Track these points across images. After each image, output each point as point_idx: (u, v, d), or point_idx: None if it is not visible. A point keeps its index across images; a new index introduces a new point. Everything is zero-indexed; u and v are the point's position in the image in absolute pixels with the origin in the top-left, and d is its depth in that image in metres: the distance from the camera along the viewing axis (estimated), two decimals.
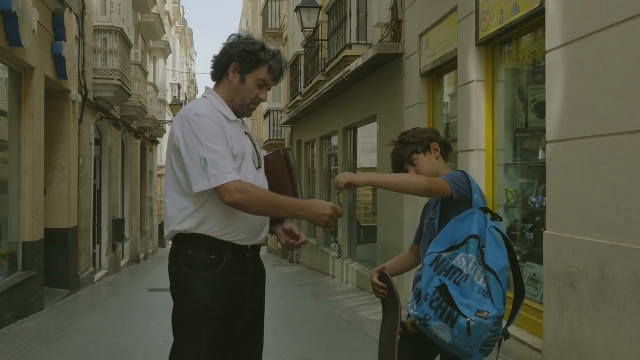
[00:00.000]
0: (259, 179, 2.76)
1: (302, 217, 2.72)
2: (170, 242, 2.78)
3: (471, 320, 2.53)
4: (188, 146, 2.59)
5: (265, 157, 2.91)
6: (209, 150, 2.55)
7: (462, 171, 2.88)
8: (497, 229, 2.69)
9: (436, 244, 2.68)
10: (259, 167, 2.80)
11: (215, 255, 2.65)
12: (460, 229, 2.66)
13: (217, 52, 2.83)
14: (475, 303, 2.56)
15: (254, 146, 2.83)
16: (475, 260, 2.61)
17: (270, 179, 2.83)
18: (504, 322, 2.72)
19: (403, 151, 2.92)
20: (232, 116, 2.74)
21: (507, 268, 2.68)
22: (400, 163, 2.94)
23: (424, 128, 3.08)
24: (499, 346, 2.81)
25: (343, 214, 2.66)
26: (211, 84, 2.85)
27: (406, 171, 2.93)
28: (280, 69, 2.81)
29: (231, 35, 2.83)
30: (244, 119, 2.91)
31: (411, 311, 2.70)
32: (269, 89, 2.87)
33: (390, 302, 2.88)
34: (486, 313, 2.54)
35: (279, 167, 2.84)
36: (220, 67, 2.78)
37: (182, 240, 2.69)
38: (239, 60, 2.73)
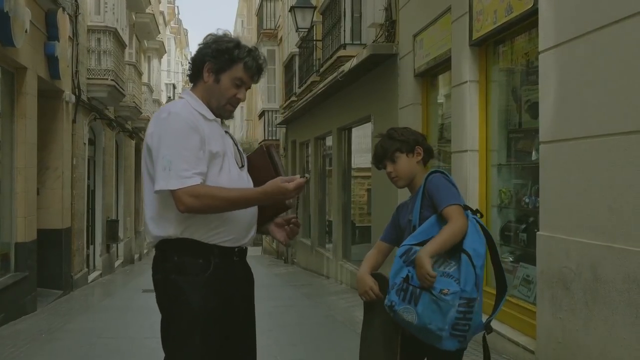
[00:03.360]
0: (244, 178, 2.70)
1: (269, 202, 2.64)
2: (154, 249, 2.67)
3: (434, 296, 2.59)
4: (155, 144, 2.53)
5: (248, 156, 2.84)
6: (173, 151, 2.49)
7: (441, 172, 2.92)
8: (477, 221, 2.77)
9: (412, 237, 2.77)
10: (243, 166, 2.73)
11: (203, 260, 2.57)
12: (438, 226, 2.73)
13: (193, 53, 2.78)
14: (437, 284, 2.62)
15: (236, 145, 2.76)
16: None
17: (255, 178, 2.75)
18: (485, 317, 2.74)
19: (388, 146, 2.96)
20: (211, 115, 2.66)
21: (485, 259, 2.74)
22: (382, 156, 2.98)
23: (414, 130, 3.11)
24: (484, 342, 2.81)
25: (304, 182, 2.55)
26: None
27: (384, 165, 2.97)
28: (257, 66, 2.71)
29: (207, 35, 2.75)
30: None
31: (385, 302, 2.75)
32: (249, 88, 2.78)
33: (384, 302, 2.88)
34: (447, 290, 2.59)
35: (263, 165, 2.77)
36: (195, 69, 2.70)
37: (167, 246, 2.60)
38: (212, 60, 2.65)
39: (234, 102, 2.72)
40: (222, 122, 2.77)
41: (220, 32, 2.74)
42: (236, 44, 2.66)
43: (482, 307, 2.74)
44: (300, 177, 2.54)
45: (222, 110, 2.72)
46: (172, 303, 2.59)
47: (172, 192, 2.48)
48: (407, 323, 2.67)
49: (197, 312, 2.54)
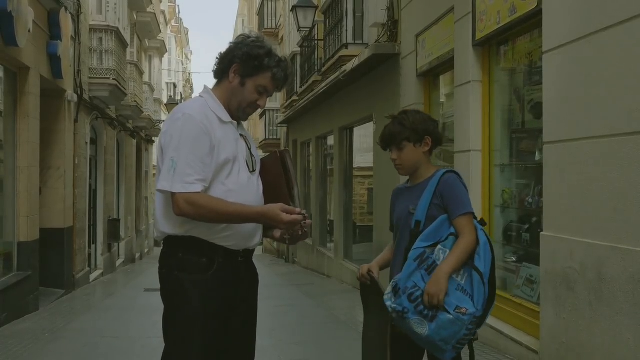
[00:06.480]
0: (253, 183, 2.70)
1: (263, 223, 2.68)
2: (162, 244, 2.73)
3: (451, 315, 2.60)
4: (166, 144, 2.56)
5: (262, 159, 2.85)
6: (181, 154, 2.51)
7: (455, 173, 2.89)
8: (485, 233, 2.79)
9: (422, 240, 2.75)
10: (254, 170, 2.73)
11: (207, 259, 2.61)
12: (446, 228, 2.75)
13: (222, 50, 2.77)
14: (455, 300, 2.63)
15: (250, 149, 2.76)
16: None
17: (265, 182, 2.77)
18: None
19: (397, 132, 2.90)
20: (227, 117, 2.68)
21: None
22: (389, 141, 2.94)
23: (425, 117, 3.02)
24: (470, 347, 2.82)
25: (304, 218, 2.57)
26: (208, 83, 2.81)
27: (391, 150, 2.94)
28: (285, 78, 2.74)
29: (240, 36, 2.77)
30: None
31: (389, 303, 2.74)
32: (270, 96, 2.80)
33: (375, 302, 2.89)
34: (465, 309, 2.61)
35: (275, 170, 2.77)
36: (223, 67, 2.71)
37: (173, 243, 2.64)
38: (241, 63, 2.66)
39: (254, 107, 2.75)
40: (240, 124, 2.78)
41: (254, 35, 2.77)
42: (267, 51, 2.68)
43: None
44: (302, 212, 2.55)
45: (241, 113, 2.74)
46: (173, 299, 2.66)
47: (172, 194, 2.52)
48: (414, 333, 2.67)
49: (196, 310, 2.59)
